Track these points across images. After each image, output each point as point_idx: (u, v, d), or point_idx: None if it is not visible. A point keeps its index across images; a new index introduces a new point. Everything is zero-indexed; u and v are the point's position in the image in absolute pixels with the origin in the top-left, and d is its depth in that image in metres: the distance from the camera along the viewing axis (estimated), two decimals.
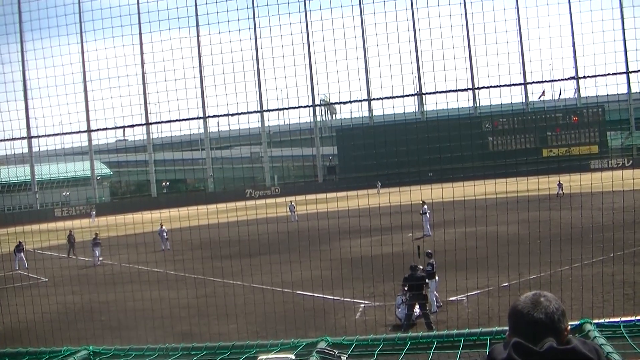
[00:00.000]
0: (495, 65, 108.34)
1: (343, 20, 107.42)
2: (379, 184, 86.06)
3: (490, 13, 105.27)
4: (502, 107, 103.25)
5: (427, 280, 24.81)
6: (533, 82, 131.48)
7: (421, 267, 25.78)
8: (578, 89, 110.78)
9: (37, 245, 47.15)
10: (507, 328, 3.51)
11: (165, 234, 49.63)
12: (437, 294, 25.76)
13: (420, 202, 43.76)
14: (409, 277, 23.90)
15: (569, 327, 3.43)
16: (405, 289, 23.71)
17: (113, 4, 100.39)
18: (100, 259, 45.77)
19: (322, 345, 5.76)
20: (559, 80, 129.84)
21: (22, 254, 46.73)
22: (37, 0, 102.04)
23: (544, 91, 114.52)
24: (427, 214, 46.20)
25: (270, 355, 5.55)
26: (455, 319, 23.29)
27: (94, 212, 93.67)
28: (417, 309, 23.65)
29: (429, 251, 27.26)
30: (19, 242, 46.85)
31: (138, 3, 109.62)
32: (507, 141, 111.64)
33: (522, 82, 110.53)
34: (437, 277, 26.24)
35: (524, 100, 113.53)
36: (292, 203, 62.51)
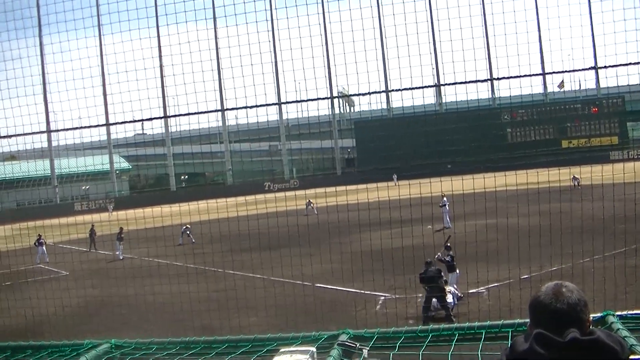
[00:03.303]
0: (515, 55, 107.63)
1: (361, 11, 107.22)
2: (395, 176, 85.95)
3: (509, 3, 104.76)
4: (522, 98, 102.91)
5: (446, 273, 24.84)
6: (552, 73, 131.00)
7: (442, 257, 25.86)
8: (597, 79, 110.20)
9: (58, 239, 47.39)
10: (528, 320, 3.49)
11: (189, 231, 49.50)
12: (455, 286, 25.71)
13: (440, 194, 43.60)
14: (424, 272, 23.89)
15: (591, 319, 3.41)
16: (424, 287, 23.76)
17: None
18: (118, 253, 45.77)
19: (343, 338, 5.76)
20: (578, 70, 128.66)
21: (43, 247, 46.99)
22: None
23: (562, 81, 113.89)
24: (447, 206, 45.98)
25: (291, 348, 5.55)
26: (476, 311, 23.22)
27: (111, 206, 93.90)
28: (435, 302, 23.65)
29: (448, 244, 27.24)
30: (39, 235, 47.13)
31: None
32: (526, 132, 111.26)
33: (541, 72, 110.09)
34: (457, 270, 26.22)
35: (543, 91, 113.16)
36: (310, 200, 62.48)
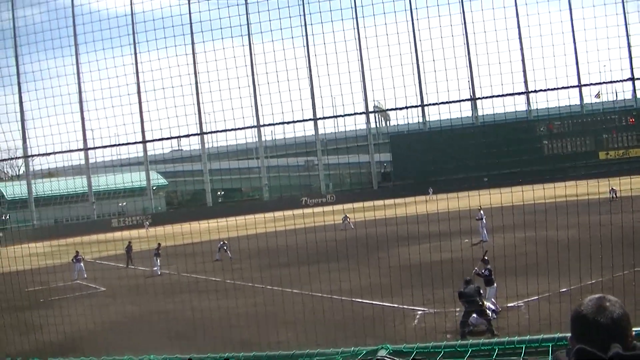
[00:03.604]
0: (551, 67, 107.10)
1: (397, 25, 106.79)
2: (431, 190, 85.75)
3: (545, 15, 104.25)
4: (560, 110, 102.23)
5: (486, 287, 24.75)
6: (589, 85, 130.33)
7: (480, 270, 25.76)
8: (634, 89, 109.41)
9: (96, 256, 47.64)
10: (569, 334, 3.44)
11: (226, 247, 49.44)
12: (494, 300, 25.58)
13: (477, 207, 43.28)
14: (463, 290, 23.76)
15: (634, 333, 3.37)
16: (464, 303, 23.61)
17: (165, 14, 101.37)
18: (156, 269, 45.80)
19: (382, 353, 5.74)
20: (615, 82, 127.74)
21: (81, 264, 47.26)
22: (90, 13, 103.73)
23: (599, 92, 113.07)
24: (484, 220, 45.68)
25: None
26: (514, 325, 23.10)
27: (147, 222, 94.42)
28: (473, 317, 23.53)
29: (486, 257, 27.10)
30: (77, 252, 47.45)
31: (190, 13, 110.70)
32: (563, 144, 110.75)
33: (577, 84, 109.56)
34: (495, 284, 26.08)
35: (579, 102, 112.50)
36: (346, 215, 62.32)
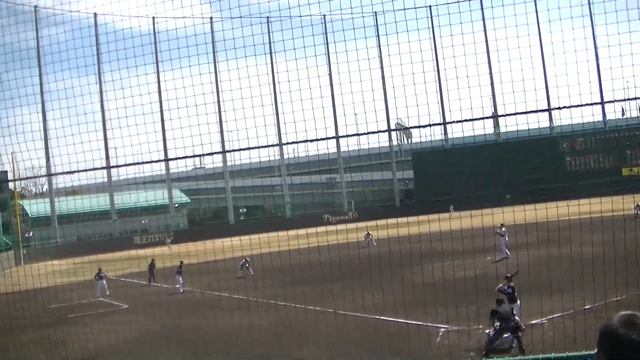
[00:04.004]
0: (575, 84, 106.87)
1: (420, 43, 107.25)
2: (452, 207, 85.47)
3: (568, 32, 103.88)
4: (583, 126, 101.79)
5: (509, 304, 24.59)
6: (612, 101, 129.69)
7: (503, 287, 25.60)
8: None
9: (119, 273, 47.66)
10: (593, 352, 3.42)
11: (247, 264, 49.38)
12: (517, 318, 25.42)
13: (499, 224, 43.01)
14: (496, 309, 23.54)
15: None
16: (496, 323, 23.39)
17: (188, 33, 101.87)
18: (178, 287, 45.71)
19: None
20: (639, 98, 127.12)
21: (103, 281, 47.23)
22: (114, 32, 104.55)
23: (623, 109, 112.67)
24: (506, 236, 45.33)
25: None
26: (538, 342, 22.94)
27: (169, 240, 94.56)
28: (504, 336, 23.36)
29: (508, 274, 26.97)
30: (99, 269, 47.46)
31: (212, 32, 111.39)
32: (586, 161, 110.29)
33: (600, 101, 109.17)
34: (518, 301, 25.92)
35: (602, 119, 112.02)
36: (368, 232, 62.12)
